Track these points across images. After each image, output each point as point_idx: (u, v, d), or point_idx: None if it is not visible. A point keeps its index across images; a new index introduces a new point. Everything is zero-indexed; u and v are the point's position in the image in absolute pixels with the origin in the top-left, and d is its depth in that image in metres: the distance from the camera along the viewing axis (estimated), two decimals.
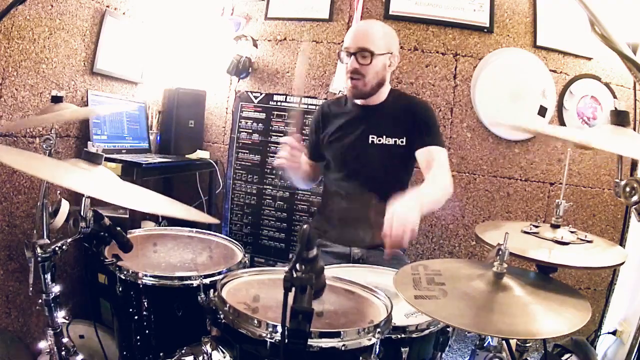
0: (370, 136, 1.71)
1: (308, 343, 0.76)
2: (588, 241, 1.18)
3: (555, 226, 1.22)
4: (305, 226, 0.76)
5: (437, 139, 1.69)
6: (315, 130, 1.85)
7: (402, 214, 1.19)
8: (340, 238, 1.76)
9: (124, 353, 1.41)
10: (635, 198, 0.90)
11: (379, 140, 1.71)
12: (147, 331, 1.32)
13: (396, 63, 1.72)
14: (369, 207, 1.74)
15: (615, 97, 2.41)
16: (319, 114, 1.86)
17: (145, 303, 1.30)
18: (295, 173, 1.75)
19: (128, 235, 1.26)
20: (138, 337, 1.34)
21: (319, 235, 1.79)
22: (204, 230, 1.67)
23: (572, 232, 1.20)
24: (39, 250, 1.15)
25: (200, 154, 2.64)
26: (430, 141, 1.67)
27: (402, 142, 1.71)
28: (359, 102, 1.75)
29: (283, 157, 1.59)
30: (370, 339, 0.95)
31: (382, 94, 1.75)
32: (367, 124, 1.73)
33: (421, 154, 1.66)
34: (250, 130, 2.72)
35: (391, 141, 1.71)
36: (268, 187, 2.69)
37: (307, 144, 1.87)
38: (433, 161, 1.62)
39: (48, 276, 1.17)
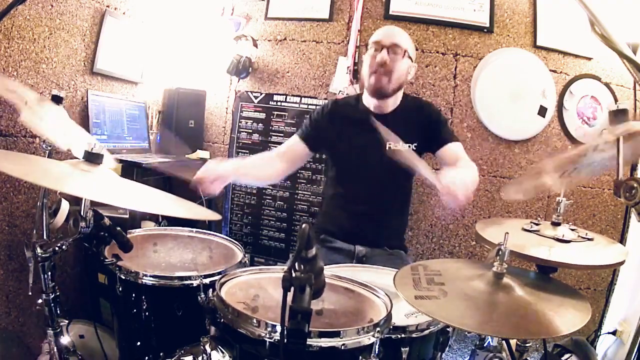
0: (388, 143, 1.72)
1: (307, 343, 0.76)
2: (589, 239, 1.18)
3: (555, 224, 1.22)
4: (304, 225, 0.76)
5: (451, 134, 1.77)
6: (324, 120, 1.80)
7: (461, 180, 1.30)
8: (346, 236, 1.77)
9: (124, 353, 1.41)
10: (635, 198, 0.89)
11: (396, 147, 1.72)
12: (147, 331, 1.32)
13: (413, 74, 1.75)
14: (379, 210, 1.76)
15: (615, 98, 2.41)
16: (331, 107, 1.82)
17: (145, 303, 1.30)
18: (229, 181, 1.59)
19: (128, 235, 1.26)
20: (138, 337, 1.34)
21: (324, 232, 1.79)
22: (204, 230, 1.67)
23: (572, 229, 1.20)
24: (39, 250, 1.15)
25: (200, 154, 2.64)
26: (447, 138, 1.73)
27: (414, 147, 1.75)
28: (371, 108, 1.75)
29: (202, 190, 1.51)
30: (369, 338, 0.95)
31: (397, 101, 1.77)
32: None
33: (444, 153, 1.71)
34: (250, 130, 2.72)
35: (405, 147, 1.72)
36: (268, 187, 2.69)
37: (307, 128, 1.83)
38: (459, 159, 1.68)
39: (48, 276, 1.17)
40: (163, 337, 1.32)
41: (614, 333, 2.28)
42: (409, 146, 1.73)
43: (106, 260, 1.27)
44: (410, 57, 1.69)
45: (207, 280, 1.25)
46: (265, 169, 1.77)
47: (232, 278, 1.21)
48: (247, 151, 2.73)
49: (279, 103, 2.67)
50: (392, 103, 1.75)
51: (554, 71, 2.42)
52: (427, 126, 1.77)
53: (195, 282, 1.24)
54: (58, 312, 1.21)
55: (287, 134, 2.63)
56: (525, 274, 1.08)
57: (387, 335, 1.02)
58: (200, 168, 1.51)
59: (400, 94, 1.76)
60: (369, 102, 1.76)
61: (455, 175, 1.33)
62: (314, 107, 2.59)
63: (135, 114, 2.42)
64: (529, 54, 2.40)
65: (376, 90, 1.68)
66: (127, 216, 1.98)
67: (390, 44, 1.63)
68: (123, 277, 1.28)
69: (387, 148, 1.73)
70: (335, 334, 0.92)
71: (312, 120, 1.84)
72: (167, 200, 1.12)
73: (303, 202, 2.64)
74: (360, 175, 1.75)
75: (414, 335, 1.08)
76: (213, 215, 1.20)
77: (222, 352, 1.01)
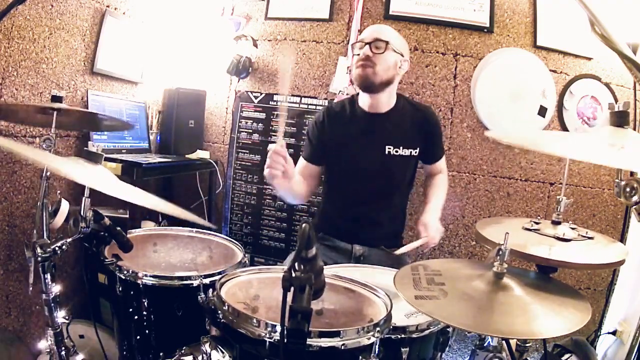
0: (387, 147, 1.74)
1: (307, 342, 0.76)
2: (589, 238, 1.18)
3: (556, 222, 1.22)
4: (304, 225, 0.76)
5: (442, 149, 1.90)
6: (320, 133, 1.80)
7: (434, 223, 1.64)
8: (344, 236, 1.77)
9: (124, 353, 1.41)
10: (635, 198, 0.89)
11: (396, 151, 1.74)
12: (147, 331, 1.32)
13: (406, 68, 1.74)
14: (378, 211, 1.77)
15: (615, 98, 2.41)
16: (324, 116, 1.82)
17: (145, 303, 1.30)
18: (286, 185, 1.51)
19: (128, 235, 1.26)
20: (138, 337, 1.34)
21: (322, 230, 1.80)
22: (204, 230, 1.67)
23: (572, 228, 1.20)
24: (39, 250, 1.15)
25: (200, 154, 2.64)
26: (440, 154, 1.87)
27: (415, 152, 1.77)
28: (367, 108, 1.75)
29: (271, 166, 1.38)
30: (369, 338, 0.95)
31: (391, 100, 1.76)
32: (381, 133, 1.74)
33: (432, 167, 1.89)
34: (250, 130, 2.72)
35: (407, 152, 1.76)
36: (268, 187, 2.68)
37: (308, 147, 1.83)
38: (440, 172, 1.90)
39: (48, 276, 1.17)
40: (163, 337, 1.33)
41: (614, 333, 2.28)
42: (410, 152, 1.74)
43: (106, 260, 1.27)
44: (397, 51, 1.67)
45: (207, 280, 1.25)
46: (301, 187, 1.74)
47: (232, 278, 1.21)
48: (247, 151, 2.73)
49: (279, 103, 2.67)
50: (386, 101, 1.74)
51: (554, 71, 2.42)
52: (427, 135, 1.79)
53: (195, 282, 1.24)
54: (58, 312, 1.21)
55: (287, 134, 2.63)
56: (525, 274, 1.08)
57: (387, 336, 1.02)
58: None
59: (392, 91, 1.74)
60: (364, 101, 1.76)
61: (436, 219, 1.67)
62: (314, 107, 2.59)
63: (135, 114, 2.42)
64: (529, 54, 2.40)
65: (362, 79, 1.65)
66: (127, 216, 1.97)
67: (371, 39, 1.64)
68: (123, 277, 1.28)
69: (385, 152, 1.73)
70: (335, 334, 0.92)
71: (310, 135, 1.84)
72: (162, 203, 1.10)
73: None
74: (358, 176, 1.75)
75: (414, 336, 1.08)
76: (204, 222, 1.15)
77: (222, 352, 1.01)
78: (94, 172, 1.07)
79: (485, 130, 2.45)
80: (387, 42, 1.64)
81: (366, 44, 1.64)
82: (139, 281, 1.26)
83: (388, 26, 1.75)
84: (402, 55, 1.70)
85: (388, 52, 1.64)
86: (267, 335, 0.92)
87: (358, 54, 1.66)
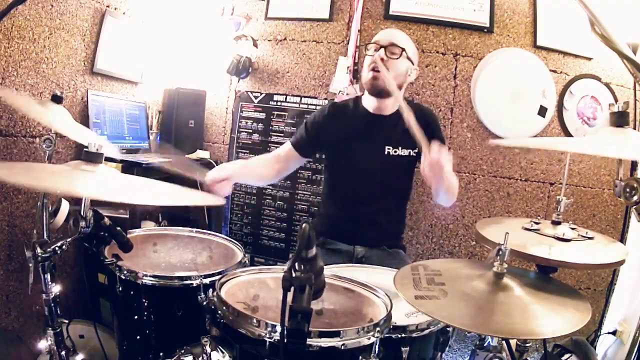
0: (387, 147, 1.73)
1: (307, 342, 0.76)
2: (589, 238, 1.18)
3: (556, 222, 1.22)
4: (304, 225, 0.76)
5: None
6: (319, 126, 1.80)
7: (444, 155, 1.37)
8: (345, 237, 1.77)
9: (124, 353, 1.41)
10: (635, 198, 0.90)
11: (395, 152, 1.74)
12: (147, 331, 1.32)
13: (414, 76, 1.75)
14: (377, 211, 1.77)
15: (615, 98, 2.41)
16: (325, 113, 1.81)
17: (145, 303, 1.30)
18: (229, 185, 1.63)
19: (128, 235, 1.26)
20: (138, 337, 1.34)
21: (323, 233, 1.79)
22: (204, 230, 1.67)
23: (572, 228, 1.20)
24: (39, 250, 1.14)
25: (200, 154, 2.64)
26: None
27: (414, 153, 1.75)
28: (371, 109, 1.75)
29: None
30: (369, 338, 0.95)
31: (396, 104, 1.75)
32: (382, 134, 1.74)
33: None
34: (250, 130, 2.72)
35: (406, 152, 1.75)
36: (268, 187, 2.69)
37: (301, 135, 1.82)
38: None
39: (48, 276, 1.17)
40: (163, 337, 1.32)
41: (614, 333, 2.28)
42: (409, 152, 1.74)
43: (106, 260, 1.27)
44: (410, 59, 1.68)
45: (207, 280, 1.25)
46: (263, 169, 1.83)
47: (232, 278, 1.21)
48: (247, 151, 2.73)
49: (279, 103, 2.67)
50: (392, 105, 1.74)
51: (554, 71, 2.42)
52: (427, 135, 1.75)
53: (195, 282, 1.24)
54: (58, 312, 1.21)
55: (287, 134, 2.64)
56: (525, 274, 1.08)
57: (387, 335, 1.02)
58: (209, 172, 1.62)
59: (399, 96, 1.74)
60: (369, 103, 1.76)
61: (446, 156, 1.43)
62: (314, 107, 2.59)
63: (135, 114, 2.42)
64: (529, 54, 2.40)
65: (374, 86, 1.66)
66: (127, 216, 1.97)
67: (387, 43, 1.64)
68: (123, 277, 1.28)
69: (385, 153, 1.73)
70: (335, 334, 0.92)
71: (308, 125, 1.82)
72: (169, 191, 1.12)
73: (303, 202, 2.64)
74: (359, 176, 1.75)
75: (414, 335, 1.08)
76: (216, 200, 1.22)
77: (222, 352, 1.01)
78: (95, 175, 1.06)
79: (486, 130, 2.45)
80: (403, 49, 1.65)
81: (381, 46, 1.64)
82: (139, 281, 1.26)
83: (404, 33, 1.75)
84: (412, 63, 1.71)
85: (402, 59, 1.65)
86: (267, 335, 0.92)
87: (372, 55, 1.64)
